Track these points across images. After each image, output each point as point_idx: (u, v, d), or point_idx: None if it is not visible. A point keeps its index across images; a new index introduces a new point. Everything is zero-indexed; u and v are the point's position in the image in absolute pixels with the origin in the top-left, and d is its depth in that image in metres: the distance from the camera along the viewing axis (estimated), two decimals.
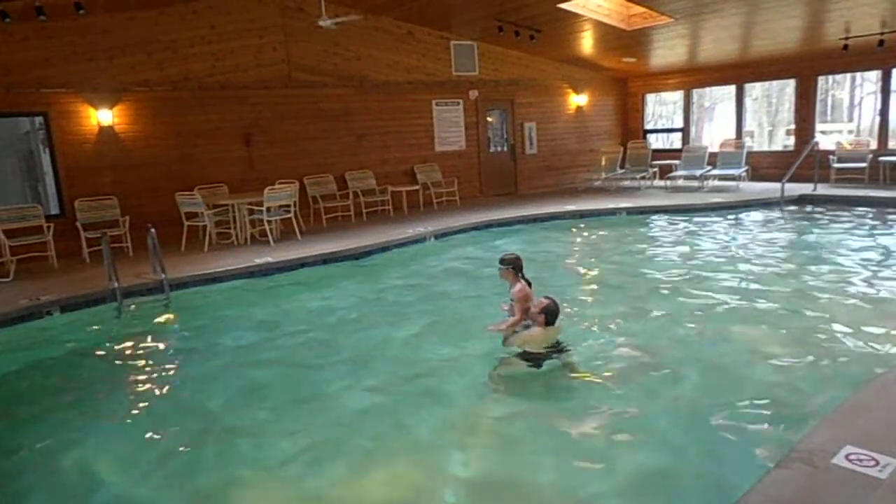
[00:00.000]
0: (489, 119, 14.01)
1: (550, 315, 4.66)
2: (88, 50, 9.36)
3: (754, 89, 19.64)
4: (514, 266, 4.98)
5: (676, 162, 14.09)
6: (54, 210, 9.55)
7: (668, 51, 13.28)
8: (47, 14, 8.17)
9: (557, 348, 4.73)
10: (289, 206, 9.62)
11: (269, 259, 8.33)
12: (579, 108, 15.22)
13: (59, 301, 6.84)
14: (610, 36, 12.15)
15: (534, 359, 4.65)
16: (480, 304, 6.33)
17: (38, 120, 9.78)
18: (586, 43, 13.14)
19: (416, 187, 12.48)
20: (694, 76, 14.85)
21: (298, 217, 9.88)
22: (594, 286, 7.35)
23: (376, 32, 11.96)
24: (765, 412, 3.98)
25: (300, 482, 3.59)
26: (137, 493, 3.59)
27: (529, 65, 14.11)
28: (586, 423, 4.02)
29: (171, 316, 6.93)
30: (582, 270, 8.19)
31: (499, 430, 4.03)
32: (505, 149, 14.34)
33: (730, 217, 10.64)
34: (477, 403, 4.40)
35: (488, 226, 10.65)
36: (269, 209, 9.27)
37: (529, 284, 4.96)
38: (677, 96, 16.75)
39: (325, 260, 8.52)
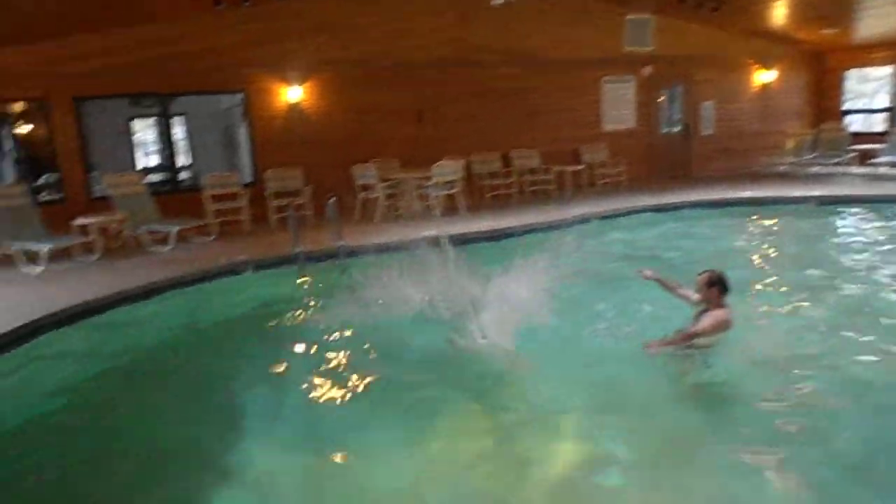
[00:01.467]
0: (662, 97, 13.30)
1: (722, 284, 4.27)
2: (283, 32, 10.17)
3: None
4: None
5: (880, 146, 12.47)
6: (248, 179, 10.57)
7: (878, 20, 11.71)
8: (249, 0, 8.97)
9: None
10: (454, 182, 9.86)
11: (435, 232, 8.58)
12: (765, 86, 13.95)
13: (252, 261, 7.60)
14: (806, 5, 10.97)
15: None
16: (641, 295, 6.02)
17: (239, 97, 10.86)
18: (778, 13, 11.97)
19: (581, 167, 12.22)
20: None
21: (463, 193, 10.08)
22: (774, 286, 6.59)
23: (550, 9, 11.75)
24: None
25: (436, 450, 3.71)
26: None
27: (710, 39, 13.14)
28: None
29: (344, 279, 7.40)
30: (760, 267, 7.47)
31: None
32: (678, 129, 13.55)
33: None
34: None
35: (656, 209, 10.16)
36: (436, 184, 9.56)
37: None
38: (883, 72, 14.75)
39: (490, 237, 8.64)
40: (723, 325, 4.28)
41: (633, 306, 5.59)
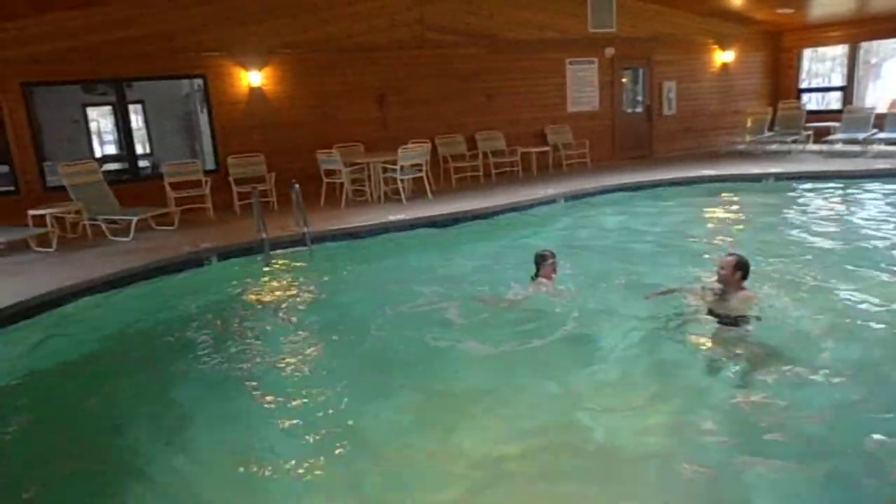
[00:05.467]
0: (624, 79, 13.41)
1: (745, 269, 4.46)
2: (241, 14, 9.95)
3: None
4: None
5: (835, 124, 12.80)
6: (210, 166, 10.36)
7: None
8: None
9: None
10: (421, 165, 9.81)
11: (402, 216, 8.58)
12: (724, 66, 14.17)
13: (216, 249, 7.47)
14: None
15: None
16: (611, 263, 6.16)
17: (197, 82, 10.61)
18: None
19: (546, 149, 12.28)
20: (863, 27, 13.27)
21: (430, 176, 10.06)
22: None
23: None
24: None
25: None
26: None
27: (671, 19, 13.28)
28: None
29: (312, 266, 7.36)
30: (722, 242, 7.63)
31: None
32: (640, 110, 13.71)
33: None
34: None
35: (620, 189, 10.29)
36: (402, 168, 9.52)
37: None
38: (837, 52, 15.09)
39: (456, 219, 8.65)
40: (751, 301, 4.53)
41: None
